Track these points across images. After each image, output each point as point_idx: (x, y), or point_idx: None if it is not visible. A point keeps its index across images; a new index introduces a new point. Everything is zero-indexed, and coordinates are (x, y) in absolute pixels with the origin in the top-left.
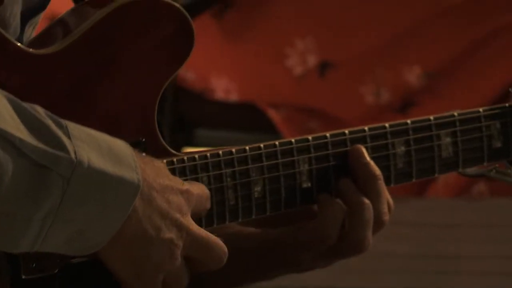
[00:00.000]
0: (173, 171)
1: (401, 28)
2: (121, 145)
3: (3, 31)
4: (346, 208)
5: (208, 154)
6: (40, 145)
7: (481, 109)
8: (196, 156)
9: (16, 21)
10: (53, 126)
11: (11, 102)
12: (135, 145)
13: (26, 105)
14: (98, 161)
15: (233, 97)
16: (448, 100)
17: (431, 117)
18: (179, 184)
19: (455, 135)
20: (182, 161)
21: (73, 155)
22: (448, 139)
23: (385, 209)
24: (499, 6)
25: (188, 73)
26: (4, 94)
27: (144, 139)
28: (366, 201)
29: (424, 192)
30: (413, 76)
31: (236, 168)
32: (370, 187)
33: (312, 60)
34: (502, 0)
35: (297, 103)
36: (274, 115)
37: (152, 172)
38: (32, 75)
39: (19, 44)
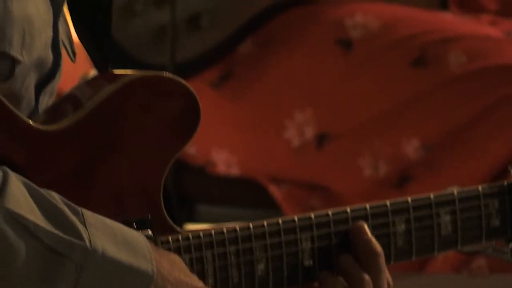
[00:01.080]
0: (178, 249)
1: (400, 100)
2: (136, 236)
3: (11, 107)
4: (346, 285)
5: (213, 232)
6: (55, 231)
7: (480, 188)
8: (201, 233)
9: (29, 93)
10: (68, 213)
11: (26, 186)
12: (141, 222)
13: (41, 190)
14: (112, 250)
15: (235, 171)
16: (446, 174)
17: (431, 196)
18: (194, 281)
19: (455, 214)
20: (187, 238)
21: (88, 243)
22: (448, 218)
23: (385, 286)
24: (499, 79)
25: (189, 147)
26: (19, 178)
27: (150, 217)
28: (367, 277)
29: (424, 268)
30: (411, 148)
31: (240, 246)
32: (371, 264)
33: (310, 132)
34: (501, 73)
35: (295, 175)
36: (275, 191)
37: (168, 264)
38: (40, 152)
39: (27, 120)
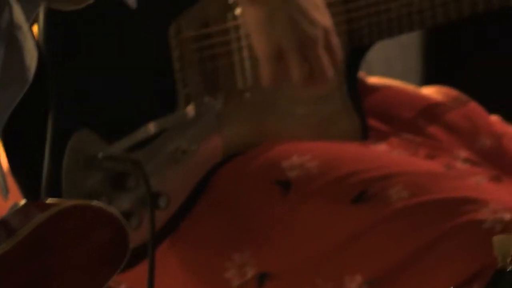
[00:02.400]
0: None
1: (342, 238)
2: None
3: None
4: None
5: None
6: None
7: None
8: None
9: None
10: None
11: None
12: None
13: None
14: None
15: None
16: None
17: None
18: None
19: None
20: None
21: None
22: None
23: None
24: (441, 214)
25: (119, 285)
26: None
27: None
28: None
29: None
30: (355, 285)
31: None
32: None
33: (250, 272)
34: (443, 207)
35: None
36: None
37: None
38: None
39: None
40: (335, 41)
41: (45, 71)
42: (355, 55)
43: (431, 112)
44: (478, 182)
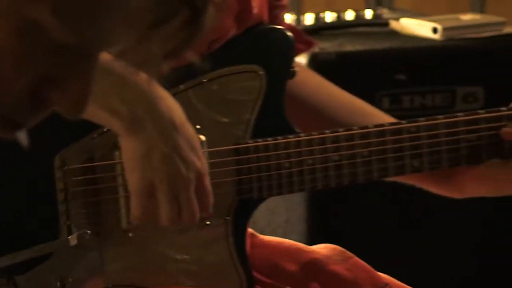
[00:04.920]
0: None
1: None
2: None
3: None
4: None
5: None
6: None
7: None
8: None
9: None
10: None
11: None
12: None
13: None
14: None
15: None
16: None
17: None
18: None
19: None
20: None
21: None
22: None
23: None
24: None
25: None
26: None
27: None
28: None
29: None
30: None
31: None
32: None
33: None
34: None
35: None
36: None
37: None
38: None
39: None
40: (208, 185)
41: None
42: (244, 207)
43: (315, 266)
44: None
